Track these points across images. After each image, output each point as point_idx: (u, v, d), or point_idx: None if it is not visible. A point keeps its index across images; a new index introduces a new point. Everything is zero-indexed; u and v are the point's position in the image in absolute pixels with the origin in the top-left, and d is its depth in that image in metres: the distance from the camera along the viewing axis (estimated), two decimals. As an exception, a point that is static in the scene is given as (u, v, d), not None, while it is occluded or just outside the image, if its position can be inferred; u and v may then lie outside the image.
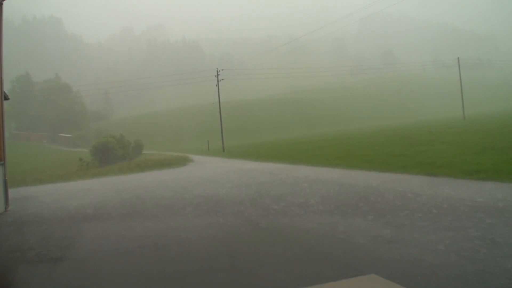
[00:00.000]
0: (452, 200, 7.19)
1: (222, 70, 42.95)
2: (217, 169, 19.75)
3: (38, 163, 43.19)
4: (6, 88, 15.23)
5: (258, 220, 6.99)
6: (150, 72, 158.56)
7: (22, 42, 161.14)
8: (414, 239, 5.12)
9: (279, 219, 6.98)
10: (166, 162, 27.23)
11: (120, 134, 44.97)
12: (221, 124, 42.35)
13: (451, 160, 12.38)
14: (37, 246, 6.41)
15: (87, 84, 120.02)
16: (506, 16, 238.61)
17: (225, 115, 45.91)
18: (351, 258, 4.68)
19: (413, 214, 6.42)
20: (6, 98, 12.88)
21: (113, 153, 38.87)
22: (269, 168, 17.28)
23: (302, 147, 28.31)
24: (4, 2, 11.80)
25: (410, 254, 4.56)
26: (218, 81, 41.45)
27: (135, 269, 5.03)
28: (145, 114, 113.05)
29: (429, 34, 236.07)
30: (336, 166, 14.90)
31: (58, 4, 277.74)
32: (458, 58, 58.88)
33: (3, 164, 11.62)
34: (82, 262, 5.49)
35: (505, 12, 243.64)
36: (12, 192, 12.24)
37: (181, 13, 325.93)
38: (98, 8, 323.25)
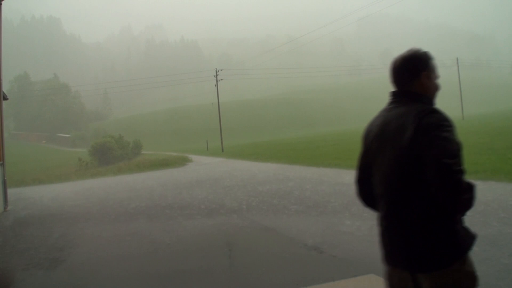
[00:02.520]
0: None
1: (221, 70, 42.92)
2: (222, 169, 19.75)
3: (37, 163, 43.18)
4: (5, 88, 15.21)
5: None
6: (149, 72, 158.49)
7: (20, 42, 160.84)
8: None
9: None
10: (164, 162, 27.26)
11: (119, 134, 44.87)
12: (220, 124, 42.31)
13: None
14: (35, 246, 6.41)
15: (86, 84, 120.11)
16: (504, 17, 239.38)
17: (224, 115, 45.87)
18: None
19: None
20: (5, 98, 12.87)
21: (112, 153, 38.79)
22: (267, 168, 17.31)
23: (301, 147, 28.32)
24: (3, 2, 11.79)
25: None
26: (217, 81, 41.46)
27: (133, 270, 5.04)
28: (144, 114, 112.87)
29: (428, 34, 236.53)
30: (335, 166, 14.96)
31: (57, 4, 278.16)
32: (457, 58, 58.99)
33: (2, 164, 11.61)
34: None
35: (504, 12, 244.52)
36: (10, 192, 12.22)
37: (179, 13, 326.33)
38: (97, 8, 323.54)
